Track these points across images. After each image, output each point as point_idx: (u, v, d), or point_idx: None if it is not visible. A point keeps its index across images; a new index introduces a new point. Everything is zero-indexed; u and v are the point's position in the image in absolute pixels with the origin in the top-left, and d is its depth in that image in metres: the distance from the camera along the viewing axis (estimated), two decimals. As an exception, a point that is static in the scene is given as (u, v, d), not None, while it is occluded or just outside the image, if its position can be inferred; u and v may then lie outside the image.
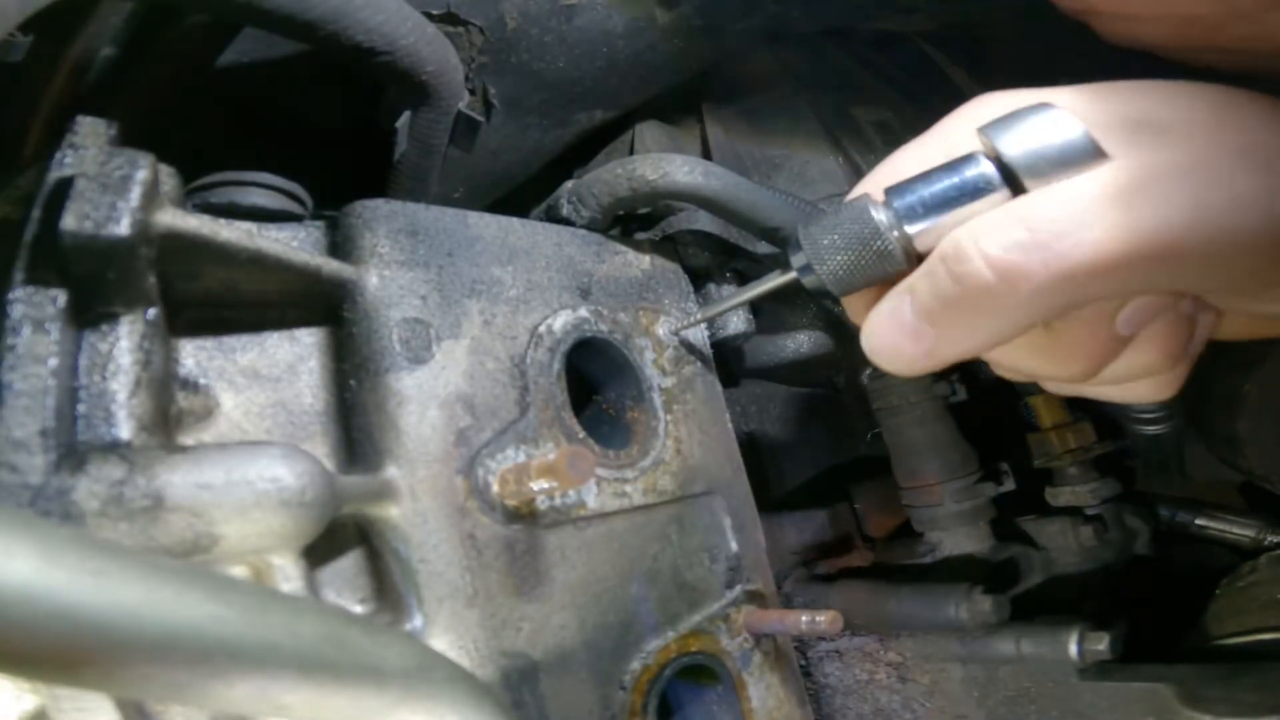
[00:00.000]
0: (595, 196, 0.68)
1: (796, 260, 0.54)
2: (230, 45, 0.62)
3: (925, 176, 0.48)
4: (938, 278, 0.44)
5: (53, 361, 0.38)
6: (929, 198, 0.47)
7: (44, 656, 0.23)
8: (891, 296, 0.48)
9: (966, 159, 0.47)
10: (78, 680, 0.25)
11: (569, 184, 0.70)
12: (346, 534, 0.49)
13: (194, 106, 0.64)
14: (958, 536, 0.81)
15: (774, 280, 0.59)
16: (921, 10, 0.83)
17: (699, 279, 0.76)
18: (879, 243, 0.49)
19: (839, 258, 0.51)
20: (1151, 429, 0.85)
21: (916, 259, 0.49)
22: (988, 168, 0.46)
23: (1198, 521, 0.94)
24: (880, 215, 0.49)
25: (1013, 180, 0.44)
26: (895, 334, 0.47)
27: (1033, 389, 0.87)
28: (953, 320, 0.44)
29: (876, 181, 0.51)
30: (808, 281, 0.54)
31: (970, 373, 0.86)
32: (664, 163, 0.67)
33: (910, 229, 0.48)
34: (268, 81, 0.66)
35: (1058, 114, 0.43)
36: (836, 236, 0.51)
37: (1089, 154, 0.42)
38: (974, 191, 0.46)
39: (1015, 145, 0.44)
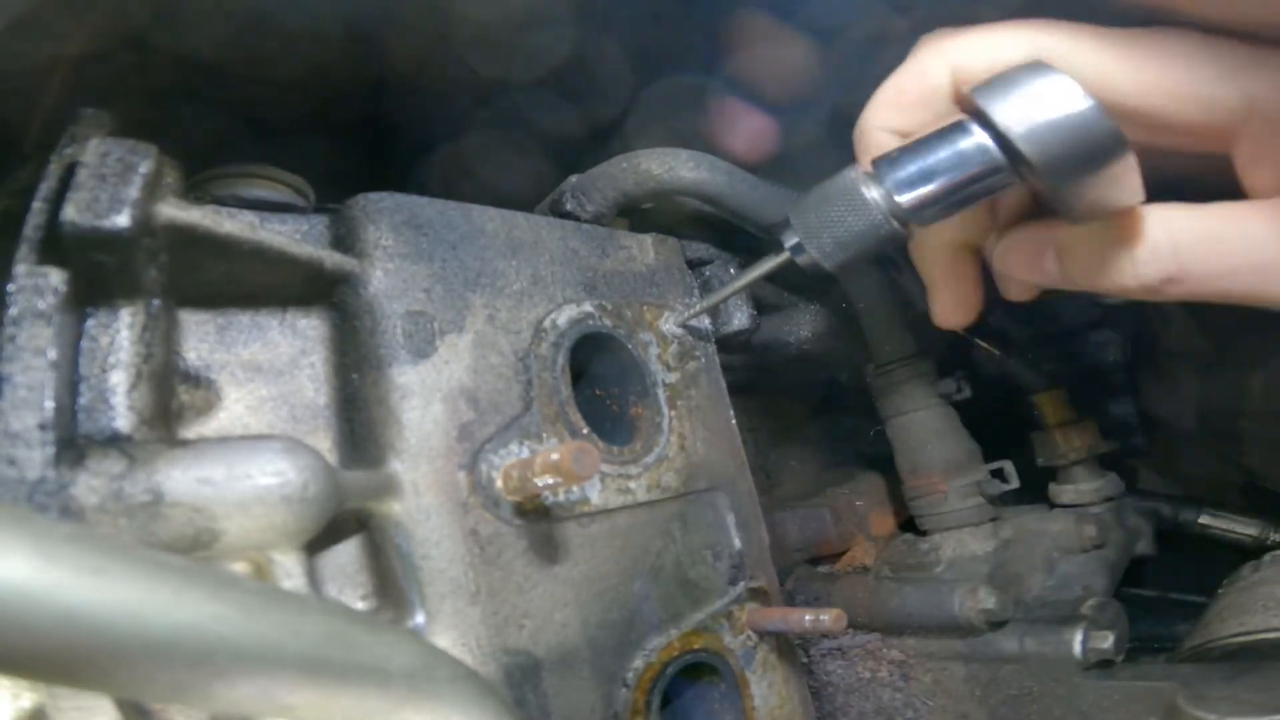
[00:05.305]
0: (600, 191, 0.67)
1: (788, 239, 0.53)
2: (230, 44, 0.61)
3: (916, 147, 0.47)
4: (1106, 258, 0.47)
5: (52, 354, 0.37)
6: (921, 170, 0.47)
7: (41, 656, 0.23)
8: (1036, 242, 0.51)
9: (958, 127, 0.46)
10: (76, 681, 0.25)
11: (573, 178, 0.69)
12: (348, 530, 0.49)
13: (195, 101, 0.63)
14: (961, 534, 0.80)
15: (769, 263, 0.58)
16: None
17: (702, 273, 0.75)
18: (870, 217, 0.48)
19: (830, 233, 0.50)
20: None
21: (909, 227, 0.49)
22: (982, 137, 0.45)
23: (1200, 521, 0.94)
24: (870, 191, 0.48)
25: (1010, 149, 0.43)
26: (1031, 272, 0.53)
27: (1038, 386, 0.87)
28: (1097, 281, 0.48)
29: (864, 144, 0.53)
30: (802, 260, 0.53)
31: (975, 370, 0.86)
32: (669, 157, 0.66)
33: (901, 199, 0.47)
34: (269, 77, 0.65)
35: (1058, 79, 0.42)
36: (827, 212, 0.50)
37: (1100, 127, 0.41)
38: (969, 162, 0.46)
39: (1014, 117, 0.42)
